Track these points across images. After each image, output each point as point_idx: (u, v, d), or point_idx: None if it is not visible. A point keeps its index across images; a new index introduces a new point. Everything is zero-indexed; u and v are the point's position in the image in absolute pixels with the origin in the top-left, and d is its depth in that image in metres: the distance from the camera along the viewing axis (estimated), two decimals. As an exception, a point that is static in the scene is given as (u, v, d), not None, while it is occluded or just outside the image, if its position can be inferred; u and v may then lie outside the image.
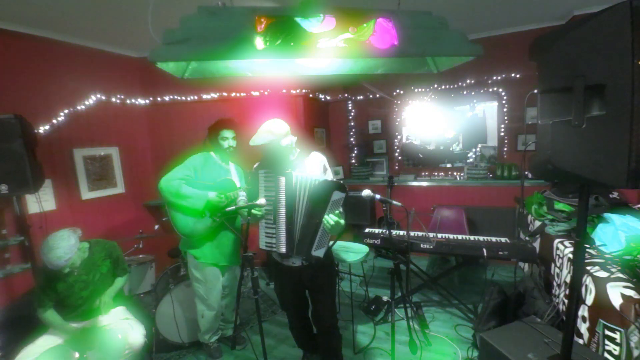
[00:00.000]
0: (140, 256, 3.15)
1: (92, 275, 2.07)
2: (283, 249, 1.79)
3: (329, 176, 1.89)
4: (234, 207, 1.91)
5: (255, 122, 1.88)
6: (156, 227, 2.94)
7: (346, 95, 4.72)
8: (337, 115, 4.85)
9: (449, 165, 4.36)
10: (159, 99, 3.86)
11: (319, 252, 1.77)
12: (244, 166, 2.54)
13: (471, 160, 4.23)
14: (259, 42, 1.26)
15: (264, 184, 1.82)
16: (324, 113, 4.80)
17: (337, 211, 1.72)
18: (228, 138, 2.36)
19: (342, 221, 1.72)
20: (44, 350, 1.85)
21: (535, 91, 1.21)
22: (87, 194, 3.29)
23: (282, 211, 1.77)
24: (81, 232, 2.02)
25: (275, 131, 1.74)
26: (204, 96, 3.88)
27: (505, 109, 3.90)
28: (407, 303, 2.60)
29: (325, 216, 1.68)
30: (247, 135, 1.86)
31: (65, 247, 1.86)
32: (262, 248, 1.86)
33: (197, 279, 2.37)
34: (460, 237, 2.87)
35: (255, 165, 1.98)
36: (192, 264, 2.37)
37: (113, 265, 2.19)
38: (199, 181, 2.27)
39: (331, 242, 1.81)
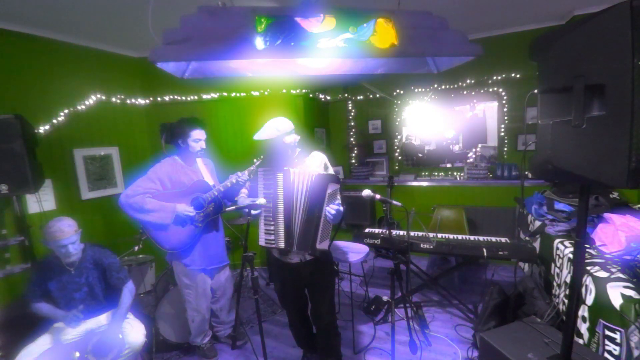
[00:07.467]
0: (140, 256, 3.15)
1: (85, 277, 2.02)
2: (282, 244, 1.81)
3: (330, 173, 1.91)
4: (233, 208, 1.92)
5: (254, 122, 1.89)
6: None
7: (346, 95, 4.72)
8: (337, 115, 4.85)
9: (449, 165, 4.36)
10: (159, 99, 3.86)
11: (323, 245, 1.79)
12: (214, 161, 2.50)
13: (471, 160, 4.23)
14: (259, 42, 1.26)
15: (263, 182, 1.85)
16: (324, 113, 4.80)
17: (336, 201, 1.77)
18: (201, 140, 2.23)
19: (341, 208, 1.78)
20: (44, 349, 1.85)
21: (535, 91, 1.21)
22: (87, 194, 3.29)
23: (281, 207, 1.79)
24: (81, 230, 2.01)
25: (280, 128, 1.80)
26: (204, 96, 3.88)
27: (505, 109, 3.90)
28: (407, 303, 2.60)
29: (326, 207, 1.73)
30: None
31: (70, 223, 1.90)
32: (261, 245, 1.87)
33: (188, 285, 2.35)
34: (460, 237, 2.87)
35: (256, 161, 2.00)
36: (182, 271, 2.32)
37: (103, 276, 2.07)
38: (169, 191, 2.17)
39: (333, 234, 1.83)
